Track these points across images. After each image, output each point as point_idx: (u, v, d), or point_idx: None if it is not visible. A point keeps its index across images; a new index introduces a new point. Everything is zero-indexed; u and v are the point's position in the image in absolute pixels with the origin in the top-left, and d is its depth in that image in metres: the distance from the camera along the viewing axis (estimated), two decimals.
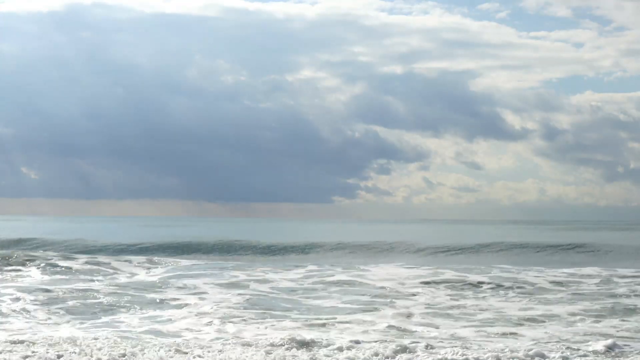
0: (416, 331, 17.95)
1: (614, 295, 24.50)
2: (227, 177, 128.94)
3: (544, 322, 19.51)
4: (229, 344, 16.08)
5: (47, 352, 14.79)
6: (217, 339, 16.88)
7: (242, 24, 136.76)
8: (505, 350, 15.09)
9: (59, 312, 20.70)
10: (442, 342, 16.41)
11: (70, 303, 22.17)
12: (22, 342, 15.86)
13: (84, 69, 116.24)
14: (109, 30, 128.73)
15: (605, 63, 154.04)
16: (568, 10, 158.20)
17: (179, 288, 26.14)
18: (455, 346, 15.65)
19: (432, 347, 15.48)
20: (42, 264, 33.64)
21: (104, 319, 19.89)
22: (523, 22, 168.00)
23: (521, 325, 19.11)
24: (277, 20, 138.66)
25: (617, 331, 18.19)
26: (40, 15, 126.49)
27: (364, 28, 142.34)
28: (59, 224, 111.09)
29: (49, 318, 19.84)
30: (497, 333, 17.80)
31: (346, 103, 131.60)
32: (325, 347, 15.57)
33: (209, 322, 19.22)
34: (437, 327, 18.57)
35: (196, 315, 20.34)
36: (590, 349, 15.58)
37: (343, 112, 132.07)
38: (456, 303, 22.75)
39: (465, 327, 18.70)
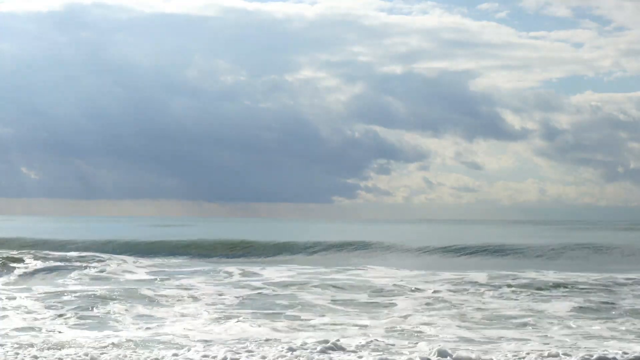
0: (421, 332, 17.68)
1: (616, 297, 24.17)
2: (227, 177, 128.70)
3: (549, 324, 19.21)
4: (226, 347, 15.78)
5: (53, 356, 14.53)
6: (215, 341, 16.57)
7: (241, 24, 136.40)
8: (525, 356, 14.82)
9: (57, 313, 20.32)
10: (465, 344, 16.12)
11: (67, 302, 21.88)
12: (27, 345, 15.61)
13: (83, 69, 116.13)
14: (108, 30, 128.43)
15: (605, 63, 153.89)
16: (568, 10, 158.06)
17: (175, 287, 25.87)
18: (475, 350, 15.37)
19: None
20: (39, 264, 33.35)
21: (100, 319, 19.59)
22: (523, 22, 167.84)
23: (526, 327, 18.81)
24: (277, 20, 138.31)
25: (622, 334, 17.89)
26: (40, 15, 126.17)
27: (364, 28, 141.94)
28: (58, 224, 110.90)
29: (47, 319, 19.48)
30: (503, 336, 17.49)
31: (346, 103, 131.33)
32: (342, 350, 15.27)
33: (205, 323, 18.94)
34: (441, 328, 18.30)
35: (191, 317, 20.07)
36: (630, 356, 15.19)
37: (343, 112, 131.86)
38: (456, 303, 22.43)
39: (467, 328, 18.41)
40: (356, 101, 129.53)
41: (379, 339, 16.33)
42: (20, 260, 33.97)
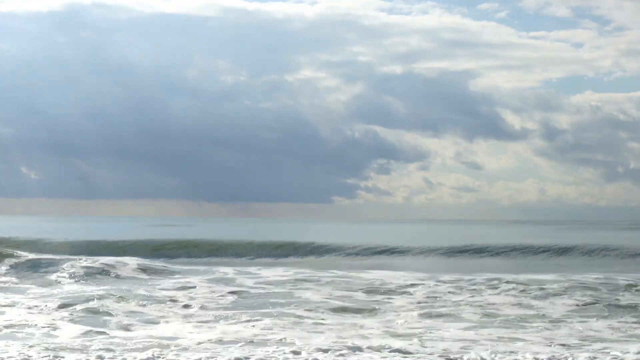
0: (421, 333, 17.35)
1: (618, 298, 23.85)
2: (227, 177, 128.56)
3: (552, 325, 18.91)
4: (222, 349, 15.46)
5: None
6: (208, 341, 16.29)
7: (241, 24, 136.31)
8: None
9: (47, 312, 20.01)
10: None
11: (56, 302, 21.54)
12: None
13: (83, 69, 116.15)
14: (108, 30, 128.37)
15: (605, 63, 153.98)
16: (567, 10, 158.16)
17: (169, 288, 25.60)
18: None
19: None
20: (33, 263, 33.08)
21: (89, 319, 19.23)
22: (522, 22, 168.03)
23: (527, 328, 18.52)
24: (277, 20, 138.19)
25: (627, 336, 17.57)
26: (40, 15, 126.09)
27: (364, 28, 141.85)
28: (57, 224, 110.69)
29: (45, 320, 19.17)
30: (504, 337, 17.17)
31: (346, 103, 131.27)
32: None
33: (199, 323, 18.65)
34: (440, 329, 18.01)
35: (183, 317, 19.78)
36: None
37: (343, 112, 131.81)
38: (456, 301, 22.09)
39: (468, 329, 18.11)
40: (356, 101, 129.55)
41: (375, 340, 16.04)
42: (11, 257, 33.68)
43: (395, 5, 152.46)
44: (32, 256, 34.07)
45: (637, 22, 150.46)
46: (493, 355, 14.55)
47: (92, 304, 21.14)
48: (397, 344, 15.59)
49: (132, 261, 33.51)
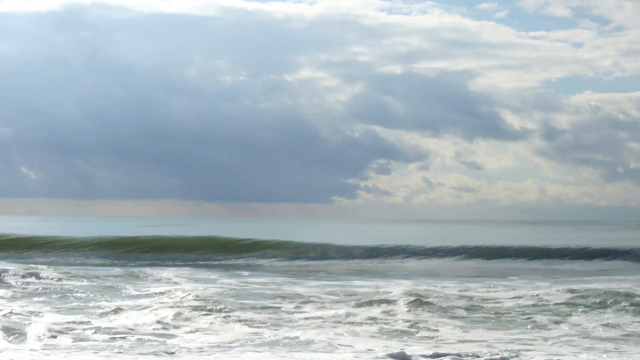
0: (414, 332, 16.76)
1: (619, 299, 23.23)
2: (227, 177, 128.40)
3: (551, 325, 18.31)
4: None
5: None
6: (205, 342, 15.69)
7: (241, 24, 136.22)
8: None
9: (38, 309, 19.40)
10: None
11: (46, 298, 21.02)
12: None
13: (83, 69, 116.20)
14: (108, 30, 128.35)
15: (604, 63, 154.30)
16: (567, 10, 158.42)
17: (153, 285, 25.05)
18: None
19: None
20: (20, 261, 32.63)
21: (68, 311, 18.63)
22: (522, 22, 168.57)
23: (527, 329, 17.91)
24: (276, 20, 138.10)
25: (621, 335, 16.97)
26: (40, 15, 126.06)
27: (363, 28, 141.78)
28: (55, 223, 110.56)
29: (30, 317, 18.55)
30: (503, 338, 16.56)
31: (346, 103, 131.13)
32: None
33: (186, 321, 18.05)
34: (435, 326, 17.38)
35: (169, 315, 19.15)
36: None
37: (343, 112, 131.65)
38: (450, 297, 21.48)
39: (463, 329, 17.49)
40: (356, 101, 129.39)
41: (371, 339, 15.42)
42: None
43: (394, 5, 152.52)
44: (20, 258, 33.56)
45: (637, 22, 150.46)
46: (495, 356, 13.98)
47: (66, 305, 20.53)
48: (389, 344, 15.00)
49: (117, 259, 33.09)
